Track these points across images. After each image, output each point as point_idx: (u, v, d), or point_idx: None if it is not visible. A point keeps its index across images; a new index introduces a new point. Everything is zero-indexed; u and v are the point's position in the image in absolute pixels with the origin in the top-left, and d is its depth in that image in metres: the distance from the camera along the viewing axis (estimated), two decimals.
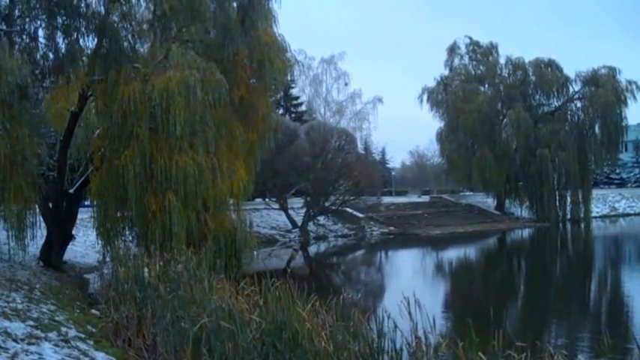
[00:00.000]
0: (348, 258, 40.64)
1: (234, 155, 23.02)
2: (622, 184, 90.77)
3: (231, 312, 10.05)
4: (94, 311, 15.36)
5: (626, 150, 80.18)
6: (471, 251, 43.28)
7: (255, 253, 24.15)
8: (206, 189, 20.39)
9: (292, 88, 60.28)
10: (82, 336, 11.98)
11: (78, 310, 15.46)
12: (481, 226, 52.92)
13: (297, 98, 63.09)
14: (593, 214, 60.83)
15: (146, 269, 14.34)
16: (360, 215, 48.33)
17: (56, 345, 10.58)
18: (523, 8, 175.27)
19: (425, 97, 59.64)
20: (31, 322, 11.95)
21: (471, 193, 66.22)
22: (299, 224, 45.55)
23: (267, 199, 47.10)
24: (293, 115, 58.97)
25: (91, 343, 11.58)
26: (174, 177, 19.50)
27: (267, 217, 47.08)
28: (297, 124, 47.39)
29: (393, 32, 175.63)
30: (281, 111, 58.55)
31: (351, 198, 46.14)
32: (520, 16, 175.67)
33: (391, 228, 48.86)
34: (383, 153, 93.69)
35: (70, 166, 25.84)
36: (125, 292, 13.75)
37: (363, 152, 63.35)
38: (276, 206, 46.49)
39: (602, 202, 68.51)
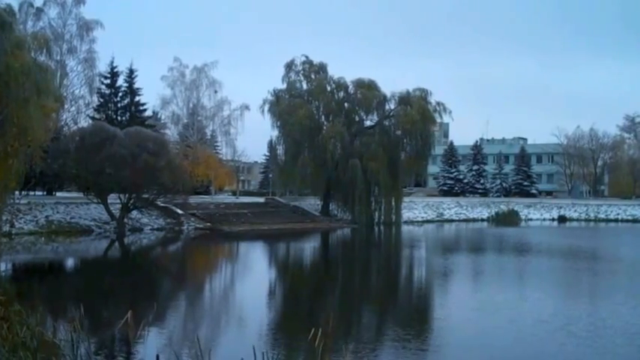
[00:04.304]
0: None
1: None
2: (485, 193, 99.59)
3: None
4: None
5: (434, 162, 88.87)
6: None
7: None
8: None
9: (140, 95, 64.54)
10: None
11: None
12: (299, 225, 55.64)
13: (143, 104, 66.01)
14: (421, 219, 67.85)
15: None
16: (180, 211, 50.76)
17: None
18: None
19: (266, 108, 62.34)
20: None
21: (311, 197, 68.28)
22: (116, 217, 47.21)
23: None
24: (138, 120, 60.60)
25: None
26: None
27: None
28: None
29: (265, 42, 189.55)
30: (128, 115, 61.88)
31: (169, 195, 48.65)
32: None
33: (207, 224, 51.25)
34: None
35: None
36: None
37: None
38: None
39: (435, 208, 73.37)
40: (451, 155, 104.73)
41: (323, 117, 62.63)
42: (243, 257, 39.33)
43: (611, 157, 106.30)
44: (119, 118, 61.41)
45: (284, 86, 63.17)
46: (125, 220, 46.85)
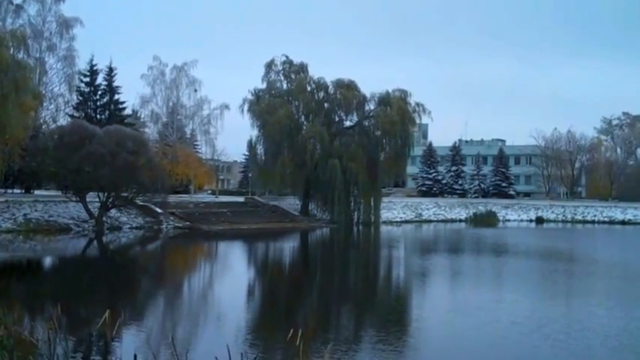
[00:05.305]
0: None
1: None
2: (463, 194, 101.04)
3: None
4: None
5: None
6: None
7: None
8: None
9: (119, 93, 65.11)
10: None
11: None
12: (278, 225, 55.96)
13: (123, 103, 66.38)
14: (399, 219, 68.47)
15: None
16: (159, 210, 50.47)
17: None
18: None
19: (246, 107, 62.63)
20: None
21: (290, 197, 68.26)
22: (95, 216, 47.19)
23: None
24: (118, 118, 61.06)
25: None
26: None
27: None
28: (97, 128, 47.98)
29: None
30: (107, 114, 62.48)
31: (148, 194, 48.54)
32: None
33: (186, 223, 51.15)
34: None
35: None
36: None
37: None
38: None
39: (414, 208, 74.53)
40: (430, 156, 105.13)
41: (303, 117, 63.06)
42: (222, 256, 39.35)
43: (588, 159, 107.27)
44: (98, 116, 61.33)
45: (264, 86, 63.45)
46: (104, 218, 46.92)
